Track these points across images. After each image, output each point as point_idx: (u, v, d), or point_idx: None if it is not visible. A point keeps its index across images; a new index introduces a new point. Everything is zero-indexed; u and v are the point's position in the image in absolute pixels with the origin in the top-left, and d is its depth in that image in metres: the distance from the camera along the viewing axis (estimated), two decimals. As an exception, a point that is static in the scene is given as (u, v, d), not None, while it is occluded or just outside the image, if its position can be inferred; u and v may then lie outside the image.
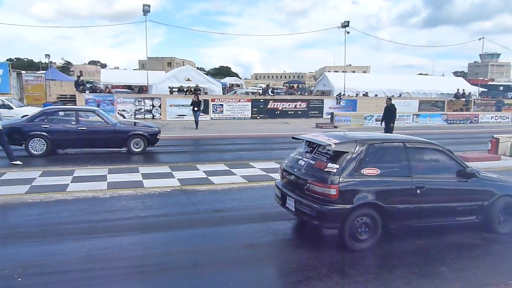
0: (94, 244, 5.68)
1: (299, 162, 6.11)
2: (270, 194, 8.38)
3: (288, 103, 28.11)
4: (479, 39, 40.41)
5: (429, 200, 5.87)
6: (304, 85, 62.94)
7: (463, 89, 35.82)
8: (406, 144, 6.02)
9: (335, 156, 5.63)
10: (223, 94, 31.81)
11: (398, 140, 6.19)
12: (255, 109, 26.97)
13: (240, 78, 74.75)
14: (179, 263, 5.19)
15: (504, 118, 30.34)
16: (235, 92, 35.01)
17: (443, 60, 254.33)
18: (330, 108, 28.48)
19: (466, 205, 6.18)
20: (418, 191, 5.73)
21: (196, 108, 20.41)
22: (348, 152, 5.60)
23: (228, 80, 53.67)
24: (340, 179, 5.39)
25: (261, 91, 32.56)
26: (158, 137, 13.21)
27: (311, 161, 5.88)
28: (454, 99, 33.57)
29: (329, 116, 25.67)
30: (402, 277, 4.88)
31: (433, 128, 24.56)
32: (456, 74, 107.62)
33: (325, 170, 5.54)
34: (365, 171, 5.55)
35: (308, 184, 5.61)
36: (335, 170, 5.46)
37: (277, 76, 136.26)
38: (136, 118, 23.74)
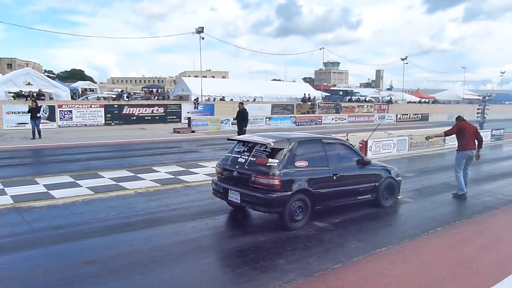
0: None
1: (239, 160, 6.92)
2: (119, 204, 8.07)
3: (144, 108, 27.34)
4: (320, 49, 45.51)
5: (342, 184, 7.25)
6: (163, 89, 62.18)
7: (309, 94, 39.51)
8: (323, 140, 7.41)
9: (273, 153, 6.61)
10: (73, 99, 29.44)
11: (317, 138, 7.58)
12: (109, 115, 25.61)
13: (95, 82, 70.35)
14: (2, 292, 4.56)
15: (342, 119, 34.36)
16: (87, 97, 32.68)
17: (294, 67, 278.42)
18: (188, 112, 28.50)
19: (365, 187, 7.78)
20: (334, 177, 7.09)
21: (37, 115, 18.40)
22: (283, 148, 6.65)
23: (81, 84, 50.08)
24: (280, 171, 6.40)
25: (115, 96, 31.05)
26: None
27: (252, 158, 6.76)
28: (301, 102, 36.79)
29: (187, 121, 25.74)
30: (243, 275, 5.05)
31: (284, 129, 26.39)
32: (305, 80, 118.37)
33: (267, 164, 6.49)
34: (297, 163, 6.71)
35: (253, 178, 6.48)
36: (275, 164, 6.45)
37: (136, 81, 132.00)
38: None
